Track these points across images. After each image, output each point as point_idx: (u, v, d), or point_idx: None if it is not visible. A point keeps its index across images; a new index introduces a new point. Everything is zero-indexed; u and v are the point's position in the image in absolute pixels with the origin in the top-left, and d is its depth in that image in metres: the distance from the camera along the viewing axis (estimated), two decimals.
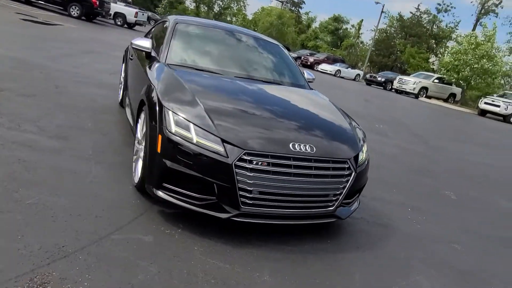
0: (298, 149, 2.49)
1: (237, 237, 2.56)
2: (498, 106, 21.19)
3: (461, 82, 25.40)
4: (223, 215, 2.41)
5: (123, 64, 5.21)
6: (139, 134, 3.03)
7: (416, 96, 24.48)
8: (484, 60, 23.55)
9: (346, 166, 2.68)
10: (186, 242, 2.39)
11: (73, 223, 2.32)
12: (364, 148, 2.97)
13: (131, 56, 4.37)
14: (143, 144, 2.81)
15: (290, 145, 2.49)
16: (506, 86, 29.67)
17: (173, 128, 2.45)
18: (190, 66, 3.32)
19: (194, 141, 2.39)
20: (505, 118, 21.26)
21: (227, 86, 3.15)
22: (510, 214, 4.56)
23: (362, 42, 45.76)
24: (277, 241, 2.62)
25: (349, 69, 31.97)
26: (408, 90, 24.58)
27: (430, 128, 12.40)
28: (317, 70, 29.94)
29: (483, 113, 22.38)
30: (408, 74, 29.65)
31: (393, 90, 26.03)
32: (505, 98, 22.19)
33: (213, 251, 2.36)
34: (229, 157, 2.33)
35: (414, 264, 2.77)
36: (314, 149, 2.54)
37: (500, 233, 3.82)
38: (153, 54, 3.50)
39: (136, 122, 3.17)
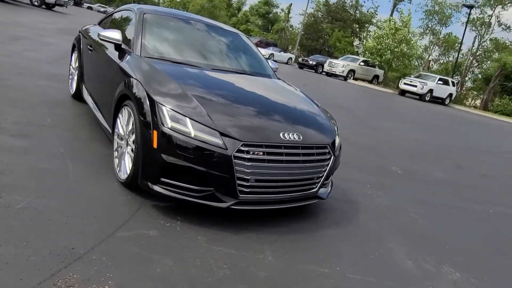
0: (288, 138, 2.68)
1: (233, 224, 2.70)
2: (415, 86, 23.39)
3: (384, 64, 27.50)
4: (223, 205, 2.53)
5: (73, 54, 4.92)
6: (120, 130, 2.98)
7: (345, 78, 25.99)
8: (403, 44, 25.74)
9: (327, 151, 2.94)
10: (188, 233, 2.47)
11: (74, 224, 2.28)
12: (338, 134, 3.25)
13: (90, 46, 4.15)
14: (130, 139, 2.80)
15: (281, 135, 2.67)
16: (420, 67, 32.74)
17: (169, 123, 2.49)
18: (165, 58, 3.29)
19: (192, 135, 2.46)
20: (421, 97, 23.58)
21: (210, 79, 3.21)
22: (446, 183, 5.26)
23: (291, 26, 47.02)
24: (270, 225, 2.81)
25: (282, 52, 32.77)
26: (337, 73, 25.99)
27: (366, 109, 13.40)
28: None
29: (403, 92, 24.55)
30: (336, 57, 31.24)
31: (324, 73, 27.32)
32: (421, 78, 24.56)
33: (215, 238, 2.48)
34: (228, 149, 2.45)
35: (384, 234, 3.16)
36: (301, 137, 2.76)
37: (442, 201, 4.43)
38: (123, 46, 3.40)
39: (115, 117, 3.10)
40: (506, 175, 6.85)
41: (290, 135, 2.71)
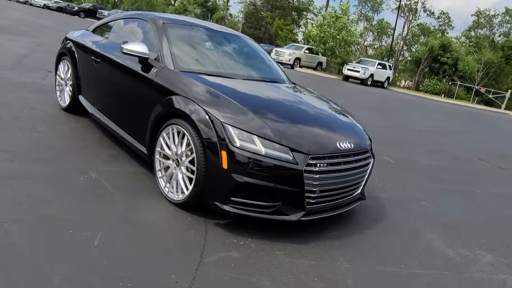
0: (343, 146, 2.80)
1: (294, 233, 2.77)
2: (358, 71, 24.66)
3: (327, 52, 28.56)
4: (293, 218, 2.60)
5: (62, 64, 4.55)
6: (167, 150, 2.88)
7: (292, 66, 26.59)
8: (343, 31, 26.91)
9: (369, 155, 3.11)
10: (264, 249, 2.51)
11: (159, 257, 2.21)
12: None
13: (96, 58, 3.86)
14: (185, 159, 2.73)
15: (337, 144, 2.78)
16: (358, 53, 34.56)
17: (238, 142, 2.48)
18: (201, 72, 3.22)
19: (263, 152, 2.47)
20: (363, 81, 24.95)
21: (255, 91, 3.20)
22: (436, 169, 5.74)
23: (231, 15, 46.65)
24: (320, 231, 2.92)
25: None
26: (284, 61, 26.45)
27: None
28: None
29: (346, 78, 25.75)
30: (279, 46, 31.78)
31: None
32: (362, 64, 25.93)
33: (291, 251, 2.55)
34: (299, 164, 2.51)
35: (414, 225, 3.43)
36: (352, 145, 2.89)
37: (441, 186, 4.87)
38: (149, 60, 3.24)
39: (153, 135, 2.98)
40: (471, 155, 7.58)
41: (344, 143, 2.83)
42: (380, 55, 34.13)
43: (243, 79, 3.40)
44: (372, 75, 25.26)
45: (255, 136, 2.50)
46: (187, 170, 2.74)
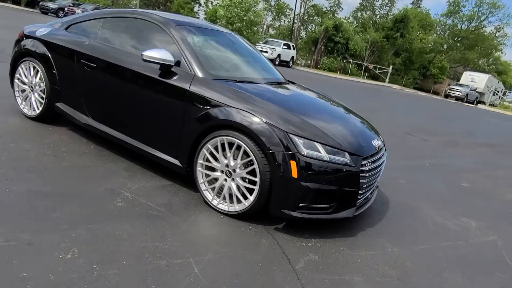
0: (376, 144, 3.12)
1: (341, 229, 3.03)
2: (266, 52, 25.46)
3: (235, 33, 28.57)
4: (350, 214, 2.85)
5: (24, 67, 3.94)
6: (214, 162, 2.84)
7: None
8: (250, 12, 27.24)
9: (385, 149, 3.50)
10: (331, 247, 2.73)
11: (262, 275, 2.27)
12: None
13: (90, 62, 3.42)
14: (240, 171, 2.74)
15: (373, 142, 3.08)
16: (261, 33, 35.40)
17: (304, 151, 2.59)
18: (230, 78, 3.16)
19: (327, 158, 2.64)
20: (272, 61, 25.88)
21: (287, 96, 3.27)
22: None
23: None
24: (353, 221, 3.22)
25: None
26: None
27: None
28: None
29: None
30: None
31: None
32: (269, 44, 26.80)
33: (351, 245, 2.81)
34: (356, 166, 2.75)
35: (409, 202, 3.98)
36: (380, 141, 3.23)
37: (402, 163, 5.60)
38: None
39: (195, 147, 2.89)
40: (399, 130, 8.69)
41: (376, 141, 3.15)
42: (282, 35, 35.61)
43: (265, 83, 3.45)
44: (279, 55, 26.36)
45: (318, 143, 2.65)
46: (244, 180, 2.76)
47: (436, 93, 41.31)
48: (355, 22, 39.10)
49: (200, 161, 2.92)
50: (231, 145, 2.76)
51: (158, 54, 2.97)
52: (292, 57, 28.62)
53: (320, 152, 2.63)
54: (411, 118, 12.32)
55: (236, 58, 3.75)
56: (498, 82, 45.21)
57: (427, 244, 3.09)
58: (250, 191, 2.74)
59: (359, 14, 40.67)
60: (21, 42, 4.01)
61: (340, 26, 33.33)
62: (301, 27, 39.59)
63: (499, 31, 48.41)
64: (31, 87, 3.96)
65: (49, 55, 3.75)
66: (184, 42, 3.18)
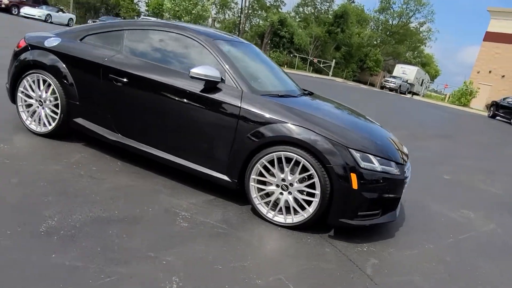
0: (407, 152, 3.41)
1: (377, 232, 3.30)
2: None
3: None
4: (394, 217, 3.11)
5: (30, 79, 3.65)
6: (269, 177, 2.93)
7: None
8: (198, 6, 26.75)
9: None
10: (384, 249, 2.97)
11: (347, 283, 2.44)
12: None
13: (120, 77, 3.28)
14: (298, 185, 2.86)
15: (404, 150, 3.37)
16: (208, 27, 34.81)
17: (362, 163, 2.79)
18: (274, 93, 3.24)
19: (380, 169, 2.86)
20: None
21: (326, 108, 3.42)
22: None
23: None
24: (381, 226, 3.53)
25: (60, 13, 28.10)
26: None
27: None
28: (21, 15, 24.90)
29: None
30: (122, 17, 29.42)
31: None
32: None
33: (397, 245, 3.07)
34: (400, 174, 3.01)
35: (416, 198, 4.38)
36: (406, 149, 3.53)
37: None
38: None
39: (250, 164, 2.95)
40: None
41: (405, 149, 3.44)
42: (228, 29, 35.46)
43: (302, 96, 3.57)
44: None
45: (371, 155, 2.86)
46: (302, 193, 2.90)
47: (372, 84, 44.04)
48: (297, 17, 40.18)
49: (253, 176, 2.98)
50: (288, 159, 2.87)
51: (206, 71, 2.97)
52: None
53: (374, 163, 2.85)
54: (365, 111, 13.12)
55: (266, 70, 3.81)
56: (425, 74, 49.49)
57: (450, 238, 3.47)
58: (308, 203, 2.88)
59: (300, 9, 41.87)
60: (24, 53, 3.71)
61: (285, 21, 34.05)
62: (246, 21, 39.75)
63: (422, 26, 52.82)
64: (40, 101, 3.69)
65: (66, 68, 3.52)
66: (225, 57, 3.20)
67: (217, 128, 3.06)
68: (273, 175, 2.96)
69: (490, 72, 32.72)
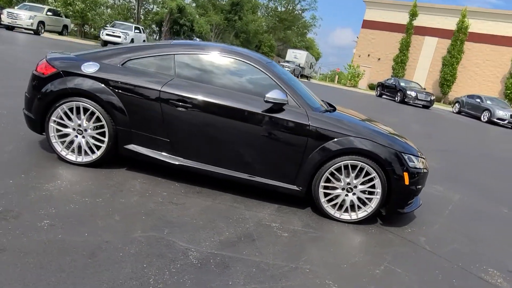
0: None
1: (401, 220, 4.10)
2: (119, 36, 23.81)
3: (77, 14, 25.30)
4: (419, 203, 3.92)
5: (67, 108, 3.44)
6: (337, 183, 3.45)
7: (36, 32, 22.31)
8: None
9: None
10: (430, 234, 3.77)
11: (438, 266, 3.13)
12: None
13: (183, 103, 3.35)
14: (361, 187, 3.44)
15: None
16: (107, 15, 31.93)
17: (409, 163, 3.49)
18: (324, 110, 3.69)
19: (419, 166, 3.61)
20: None
21: (356, 119, 3.96)
22: None
23: None
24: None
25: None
26: (25, 26, 21.82)
27: None
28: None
29: (105, 43, 24.29)
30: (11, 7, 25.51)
31: (3, 27, 22.08)
32: (118, 28, 24.96)
33: (428, 236, 3.90)
34: (426, 168, 3.81)
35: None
36: None
37: None
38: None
39: (319, 173, 3.42)
40: None
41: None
42: (123, 16, 33.18)
43: (334, 110, 4.08)
44: (132, 40, 24.94)
45: (412, 155, 3.58)
46: (364, 193, 3.49)
47: None
48: (194, 4, 39.64)
49: (322, 183, 3.46)
50: (353, 167, 3.42)
51: (278, 95, 3.32)
52: (144, 40, 27.50)
53: (415, 162, 3.58)
54: None
55: (301, 87, 4.21)
56: (312, 57, 54.01)
57: (447, 210, 4.47)
58: (369, 200, 3.49)
59: None
60: (57, 80, 3.45)
61: (183, 8, 33.39)
62: (140, 8, 37.66)
63: (303, 12, 57.20)
64: (80, 130, 3.50)
65: (114, 95, 3.42)
66: (283, 80, 3.55)
67: (287, 145, 3.42)
68: (338, 180, 3.48)
69: (368, 55, 37.44)
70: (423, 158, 3.78)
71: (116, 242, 2.48)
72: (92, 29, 30.66)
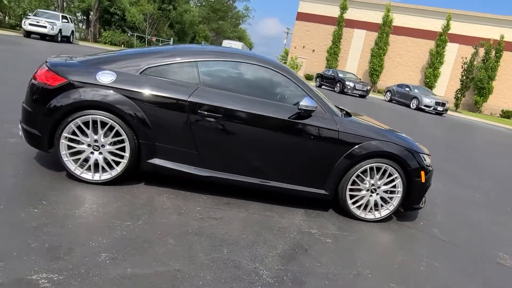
0: None
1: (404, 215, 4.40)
2: (45, 27, 21.64)
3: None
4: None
5: (81, 123, 3.11)
6: (362, 185, 3.59)
7: None
8: None
9: None
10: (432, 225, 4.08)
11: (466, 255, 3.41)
12: None
13: (214, 113, 3.20)
14: (384, 187, 3.62)
15: None
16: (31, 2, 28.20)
17: (424, 162, 3.74)
18: (343, 114, 3.78)
19: (429, 164, 3.87)
20: (53, 38, 22.29)
21: (371, 123, 4.10)
22: None
23: None
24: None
25: None
26: None
27: None
28: None
29: (28, 34, 21.98)
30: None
31: None
32: (42, 17, 22.67)
33: (441, 227, 4.23)
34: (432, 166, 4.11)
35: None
36: None
37: None
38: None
39: (346, 177, 3.53)
40: None
41: None
42: (45, 4, 29.96)
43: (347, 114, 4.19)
44: (60, 31, 22.90)
45: (425, 154, 3.83)
46: (387, 192, 3.67)
47: None
48: None
49: (349, 186, 3.58)
50: (377, 169, 3.58)
51: (310, 102, 3.34)
52: (72, 31, 25.40)
53: (427, 160, 3.84)
54: None
55: (318, 92, 4.23)
56: (247, 49, 54.45)
57: (451, 207, 4.87)
58: (391, 198, 3.69)
59: None
60: (68, 92, 3.08)
61: None
62: None
63: (234, 2, 57.20)
64: (96, 146, 3.19)
65: (136, 107, 3.15)
66: (308, 88, 3.55)
67: (318, 151, 3.46)
68: (362, 181, 3.61)
69: (303, 47, 38.64)
70: (429, 155, 4.08)
71: (187, 269, 2.34)
72: (8, 18, 27.41)
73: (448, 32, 32.34)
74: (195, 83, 3.34)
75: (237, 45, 46.33)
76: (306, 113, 3.41)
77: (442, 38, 32.46)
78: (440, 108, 21.96)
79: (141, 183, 3.50)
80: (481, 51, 30.87)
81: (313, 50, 38.31)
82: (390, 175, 3.61)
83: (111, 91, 3.14)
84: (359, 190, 3.64)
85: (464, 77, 30.01)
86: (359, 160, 3.53)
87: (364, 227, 3.58)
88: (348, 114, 4.00)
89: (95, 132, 3.18)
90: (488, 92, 31.14)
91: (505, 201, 5.56)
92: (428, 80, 33.26)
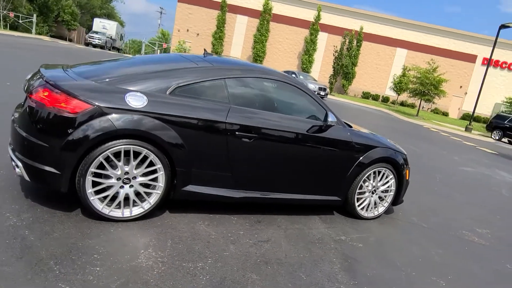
0: None
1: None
2: None
3: None
4: None
5: (111, 154, 2.70)
6: (368, 188, 3.96)
7: None
8: None
9: None
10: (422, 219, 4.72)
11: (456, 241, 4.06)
12: None
13: (250, 133, 3.07)
14: (383, 187, 4.08)
15: None
16: None
17: (407, 162, 4.32)
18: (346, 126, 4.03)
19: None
20: None
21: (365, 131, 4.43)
22: None
23: None
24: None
25: None
26: None
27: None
28: None
29: None
30: None
31: None
32: None
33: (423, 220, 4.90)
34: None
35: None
36: None
37: None
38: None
39: (355, 183, 3.85)
40: None
41: None
42: None
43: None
44: None
45: (405, 155, 4.41)
46: (383, 192, 4.13)
47: (71, 40, 40.88)
48: None
49: (358, 190, 3.91)
50: (378, 172, 3.99)
51: (333, 117, 3.51)
52: None
53: (407, 160, 4.43)
54: None
55: None
56: (122, 28, 50.65)
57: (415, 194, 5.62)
58: (386, 197, 4.17)
59: None
60: (96, 120, 2.57)
61: None
62: None
63: None
64: (127, 179, 2.78)
65: (173, 132, 2.83)
66: (314, 96, 3.69)
67: (338, 161, 3.68)
68: (365, 184, 4.00)
69: (188, 30, 37.79)
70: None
71: None
72: None
73: (319, 22, 35.66)
74: (226, 102, 3.16)
75: (111, 24, 42.64)
76: (327, 128, 3.58)
77: (314, 27, 35.62)
78: (322, 93, 24.44)
79: (165, 212, 3.19)
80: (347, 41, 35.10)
81: (198, 34, 37.78)
82: (386, 176, 4.08)
83: (145, 116, 2.75)
84: (364, 193, 4.01)
85: (335, 64, 33.82)
86: (366, 166, 3.88)
87: (372, 226, 3.97)
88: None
89: (126, 163, 2.77)
90: (352, 76, 35.68)
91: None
92: (304, 66, 36.26)
